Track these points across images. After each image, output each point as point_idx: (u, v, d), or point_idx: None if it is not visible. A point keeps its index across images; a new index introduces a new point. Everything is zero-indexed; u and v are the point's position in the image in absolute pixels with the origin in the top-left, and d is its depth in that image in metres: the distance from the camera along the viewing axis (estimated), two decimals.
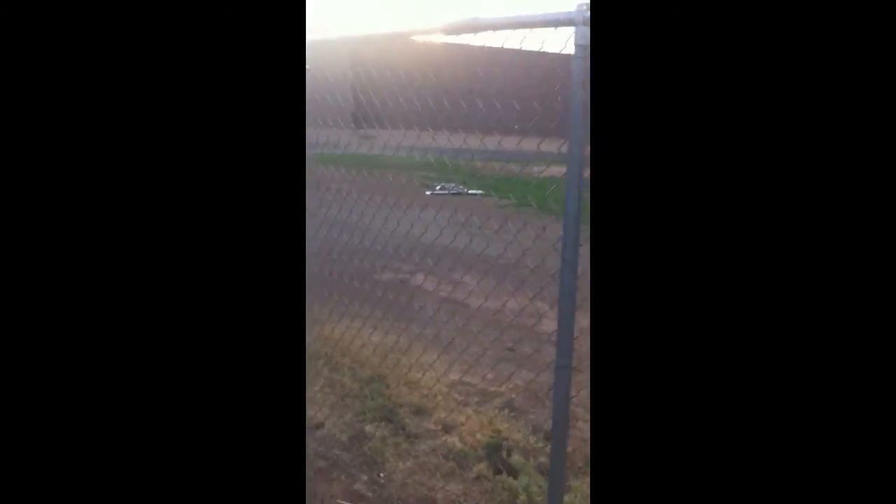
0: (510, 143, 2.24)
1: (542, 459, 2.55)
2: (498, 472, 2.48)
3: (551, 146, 2.19)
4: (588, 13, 1.37)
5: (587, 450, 2.60)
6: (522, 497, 2.32)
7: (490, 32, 1.59)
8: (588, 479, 2.33)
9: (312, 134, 2.94)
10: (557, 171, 1.83)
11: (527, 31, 1.53)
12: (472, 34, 1.63)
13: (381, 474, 2.45)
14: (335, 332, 3.58)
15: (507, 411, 3.03)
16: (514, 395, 3.15)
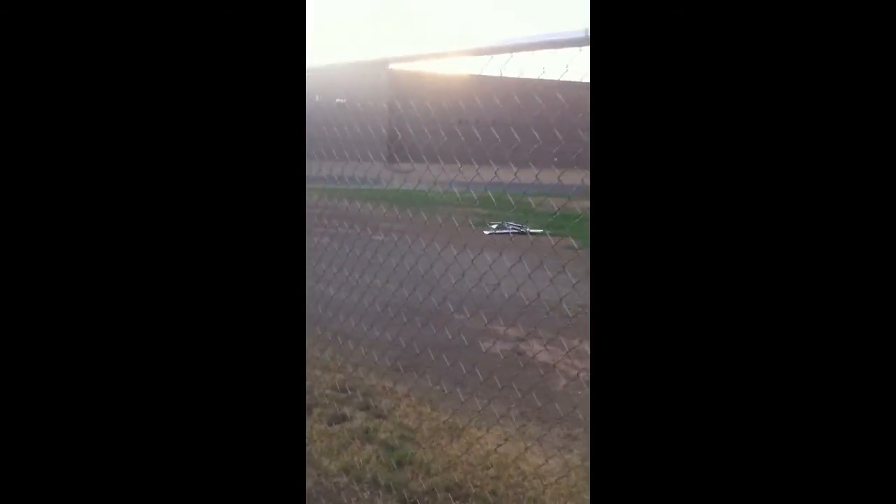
0: (552, 176, 2.24)
1: None
2: None
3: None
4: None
5: None
6: None
7: (508, 60, 1.60)
8: None
9: (343, 168, 3.01)
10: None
11: (547, 54, 1.53)
12: (499, 61, 1.64)
13: None
14: (468, 448, 2.80)
15: None
16: None
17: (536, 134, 2.45)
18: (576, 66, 1.81)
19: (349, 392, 3.34)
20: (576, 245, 4.45)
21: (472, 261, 2.58)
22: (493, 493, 2.47)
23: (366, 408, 3.20)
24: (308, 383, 3.39)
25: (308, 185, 1.38)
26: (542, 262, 2.28)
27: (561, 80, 2.04)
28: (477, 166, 2.35)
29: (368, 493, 2.47)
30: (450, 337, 3.66)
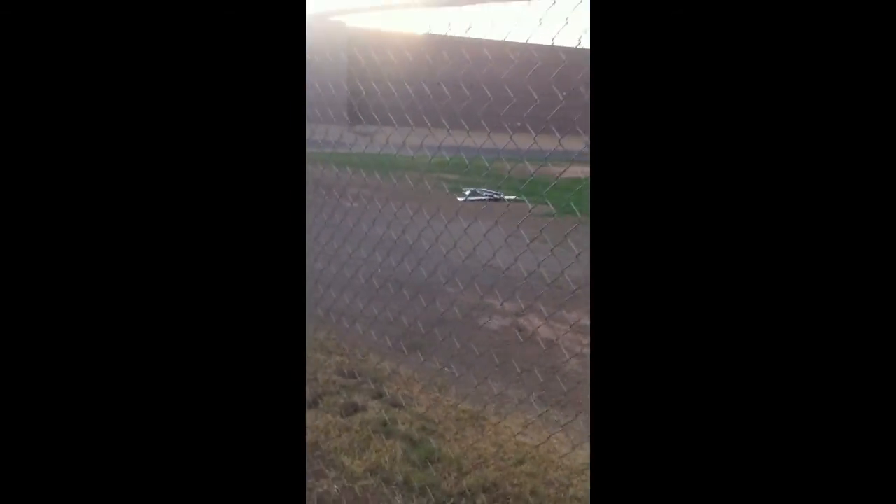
0: (529, 141, 2.11)
1: None
2: None
3: (573, 143, 2.04)
4: None
5: None
6: None
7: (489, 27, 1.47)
8: None
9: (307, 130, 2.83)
10: (580, 170, 1.69)
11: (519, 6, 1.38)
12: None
13: None
14: (494, 438, 2.70)
15: None
16: None
17: (510, 93, 2.30)
18: (552, 23, 1.71)
19: (357, 378, 3.18)
20: (554, 212, 4.37)
21: (458, 230, 2.47)
22: (534, 493, 2.35)
23: (378, 395, 3.02)
24: (311, 369, 3.25)
25: None
26: (522, 231, 2.16)
27: (532, 41, 1.90)
28: (448, 128, 2.20)
29: (401, 497, 2.31)
30: (442, 311, 3.61)
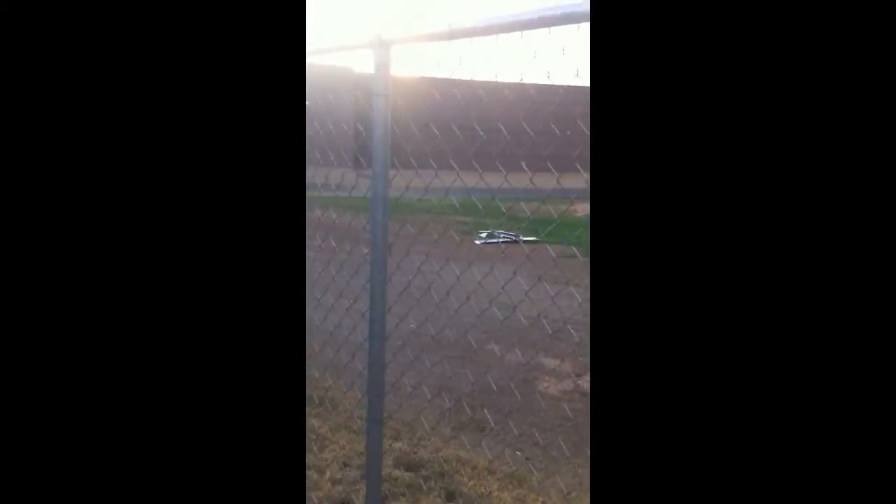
0: (539, 181, 2.14)
1: None
2: None
3: (574, 181, 2.08)
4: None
5: None
6: None
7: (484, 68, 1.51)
8: None
9: (310, 174, 2.88)
10: (582, 208, 1.72)
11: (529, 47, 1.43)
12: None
13: None
14: None
15: None
16: None
17: (531, 131, 2.35)
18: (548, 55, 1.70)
19: (423, 470, 2.72)
20: (579, 254, 4.26)
21: (483, 276, 2.39)
22: None
23: (451, 497, 2.56)
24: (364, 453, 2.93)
25: None
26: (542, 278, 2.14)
27: (527, 77, 1.95)
28: (458, 170, 2.25)
29: None
30: (489, 374, 3.46)
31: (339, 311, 3.09)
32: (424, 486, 2.59)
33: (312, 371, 3.59)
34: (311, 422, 3.13)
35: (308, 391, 3.26)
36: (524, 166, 2.18)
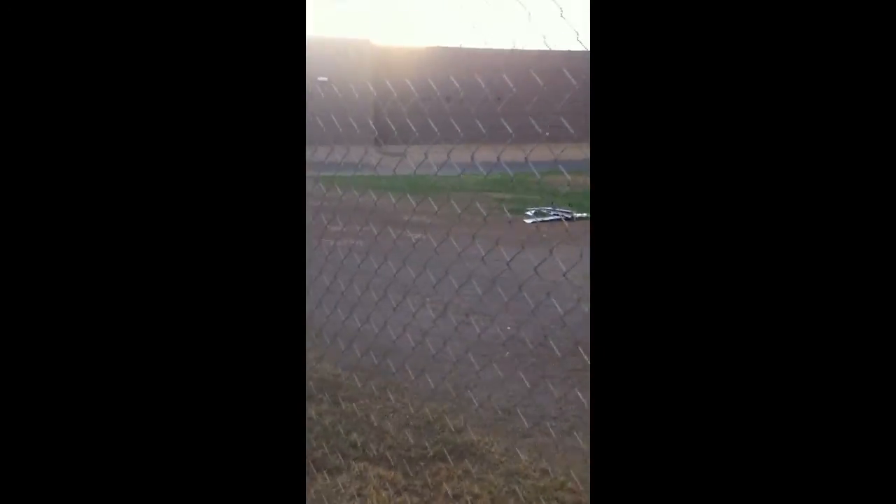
0: (575, 152, 2.05)
1: None
2: None
3: None
4: None
5: None
6: None
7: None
8: None
9: (327, 153, 2.83)
10: None
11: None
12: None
13: None
14: None
15: None
16: None
17: (538, 110, 2.28)
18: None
19: None
20: None
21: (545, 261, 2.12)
22: None
23: None
24: None
25: None
26: None
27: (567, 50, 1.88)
28: (475, 146, 2.19)
29: None
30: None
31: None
32: None
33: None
34: None
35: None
36: (546, 135, 2.11)
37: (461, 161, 2.40)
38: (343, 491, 2.52)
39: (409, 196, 2.97)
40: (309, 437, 2.86)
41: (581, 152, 1.88)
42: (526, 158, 2.06)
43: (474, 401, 3.17)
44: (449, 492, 2.50)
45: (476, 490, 2.54)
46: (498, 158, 2.14)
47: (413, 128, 2.62)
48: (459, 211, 2.65)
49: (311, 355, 3.45)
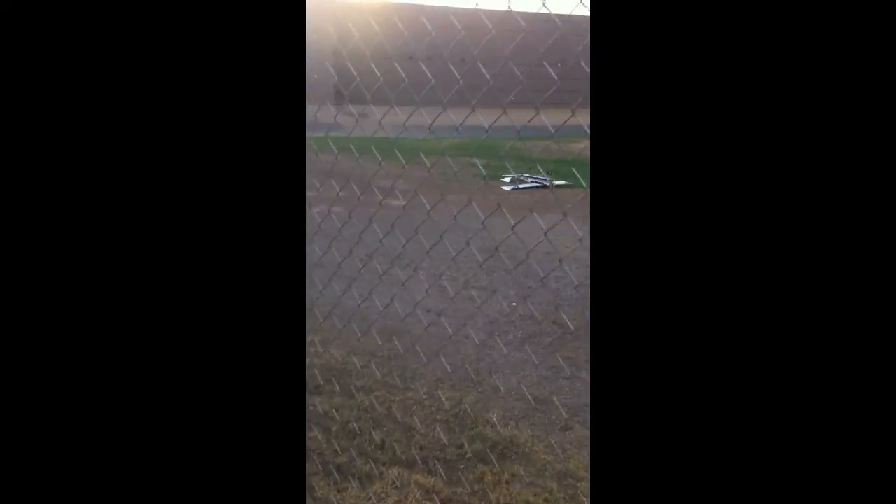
0: (556, 116, 2.03)
1: None
2: None
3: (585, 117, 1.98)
4: None
5: None
6: None
7: None
8: None
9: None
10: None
11: None
12: None
13: None
14: None
15: None
16: None
17: (517, 71, 2.25)
18: None
19: None
20: None
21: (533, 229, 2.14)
22: None
23: None
24: None
25: None
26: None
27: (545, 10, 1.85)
28: (439, 109, 2.16)
29: None
30: None
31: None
32: None
33: None
34: None
35: None
36: (515, 100, 2.09)
37: (423, 124, 2.36)
38: None
39: (380, 159, 2.88)
40: (328, 436, 2.70)
41: (546, 119, 1.86)
42: (489, 127, 2.04)
43: (501, 387, 3.02)
44: (499, 501, 2.33)
45: (530, 498, 2.35)
46: (462, 123, 2.11)
47: (374, 87, 2.58)
48: (439, 180, 2.56)
49: (309, 338, 3.33)
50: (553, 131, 2.01)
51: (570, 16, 1.80)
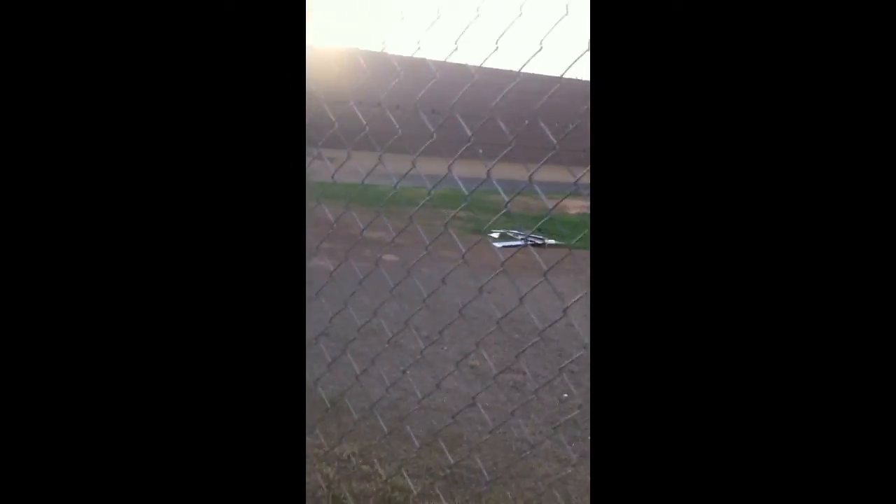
0: (517, 173, 1.97)
1: None
2: None
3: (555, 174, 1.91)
4: None
5: None
6: None
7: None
8: None
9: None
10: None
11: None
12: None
13: None
14: None
15: None
16: None
17: (502, 125, 2.20)
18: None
19: None
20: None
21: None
22: None
23: None
24: None
25: None
26: None
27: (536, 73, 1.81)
28: (412, 156, 2.09)
29: None
30: None
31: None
32: None
33: None
34: None
35: None
36: (498, 156, 2.03)
37: (398, 172, 2.28)
38: None
39: (355, 209, 2.64)
40: None
41: (525, 172, 1.80)
42: (456, 176, 1.98)
43: None
44: None
45: None
46: (449, 169, 2.05)
47: (349, 132, 2.51)
48: (428, 239, 2.38)
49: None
50: (539, 188, 1.95)
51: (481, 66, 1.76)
